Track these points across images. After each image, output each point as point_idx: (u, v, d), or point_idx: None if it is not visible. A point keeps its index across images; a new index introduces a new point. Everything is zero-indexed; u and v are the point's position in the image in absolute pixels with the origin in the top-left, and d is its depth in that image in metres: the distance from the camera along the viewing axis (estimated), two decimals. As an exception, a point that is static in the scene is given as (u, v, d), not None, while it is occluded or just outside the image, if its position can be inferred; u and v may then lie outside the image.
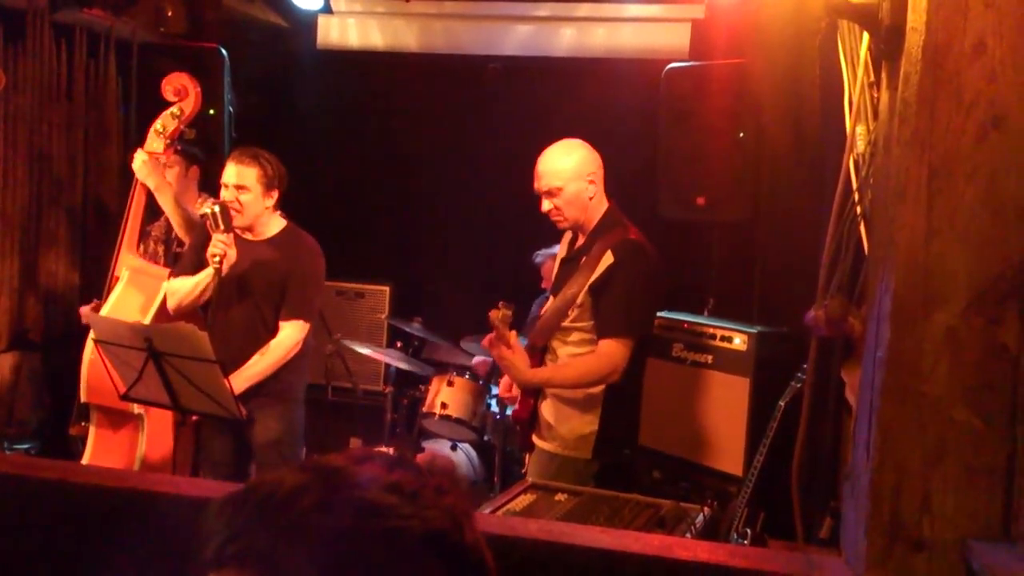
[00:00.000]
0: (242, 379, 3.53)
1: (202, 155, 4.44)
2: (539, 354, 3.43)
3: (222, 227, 3.49)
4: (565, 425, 3.36)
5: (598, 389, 3.32)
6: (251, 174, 3.61)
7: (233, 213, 3.59)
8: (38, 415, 4.85)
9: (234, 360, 3.56)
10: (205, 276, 3.57)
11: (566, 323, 3.33)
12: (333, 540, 0.80)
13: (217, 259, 3.48)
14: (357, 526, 0.81)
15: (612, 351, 3.22)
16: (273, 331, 3.66)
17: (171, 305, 3.70)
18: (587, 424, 3.33)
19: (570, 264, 3.41)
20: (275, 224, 3.75)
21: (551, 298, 3.51)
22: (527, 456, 3.62)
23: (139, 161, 3.99)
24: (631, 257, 3.26)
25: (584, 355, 3.31)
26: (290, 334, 3.64)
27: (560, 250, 3.64)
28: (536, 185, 3.34)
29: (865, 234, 1.90)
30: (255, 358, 3.60)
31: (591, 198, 3.33)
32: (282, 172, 3.72)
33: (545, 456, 3.40)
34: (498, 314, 3.23)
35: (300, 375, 3.81)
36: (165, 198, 4.04)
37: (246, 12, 5.59)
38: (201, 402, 3.19)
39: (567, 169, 3.29)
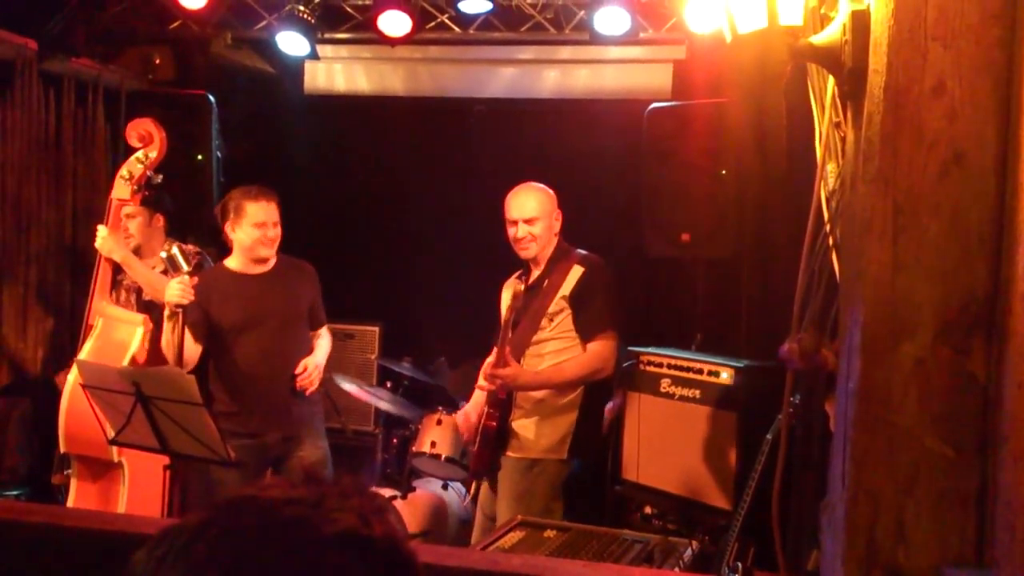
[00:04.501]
0: (322, 354, 3.93)
1: (169, 202, 4.31)
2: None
3: (184, 269, 3.51)
4: (544, 432, 3.64)
5: (576, 393, 3.66)
6: (276, 207, 3.79)
7: (268, 244, 3.77)
8: (28, 461, 4.83)
9: (286, 383, 3.78)
10: (169, 323, 3.52)
11: (541, 335, 3.60)
12: (243, 561, 0.83)
13: (179, 304, 3.47)
14: (263, 542, 0.84)
15: (601, 349, 3.59)
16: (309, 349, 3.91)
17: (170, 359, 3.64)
18: (565, 427, 3.64)
19: (534, 291, 3.70)
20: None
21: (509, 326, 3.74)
22: (474, 483, 3.90)
23: (100, 238, 3.90)
24: (599, 266, 3.68)
25: (577, 355, 3.59)
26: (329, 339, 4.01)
27: (507, 293, 3.83)
28: (514, 213, 3.67)
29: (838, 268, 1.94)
30: (319, 343, 3.97)
31: (556, 233, 3.72)
32: None
33: (521, 464, 3.64)
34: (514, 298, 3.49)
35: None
36: (134, 270, 3.98)
37: (234, 59, 5.66)
38: (189, 445, 3.19)
39: (545, 203, 3.69)
